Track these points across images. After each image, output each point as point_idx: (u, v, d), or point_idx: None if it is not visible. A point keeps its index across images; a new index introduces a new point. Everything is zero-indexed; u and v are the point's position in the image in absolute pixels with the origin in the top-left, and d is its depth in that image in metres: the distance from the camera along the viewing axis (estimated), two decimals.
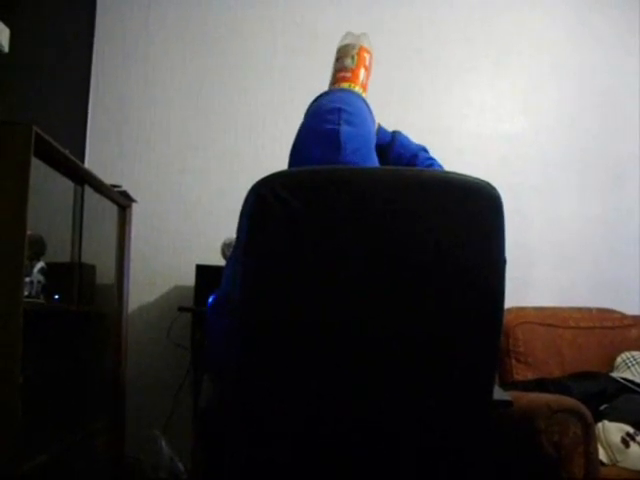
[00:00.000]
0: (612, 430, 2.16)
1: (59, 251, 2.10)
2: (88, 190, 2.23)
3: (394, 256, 1.26)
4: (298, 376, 1.29)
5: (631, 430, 2.15)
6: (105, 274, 2.56)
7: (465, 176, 1.29)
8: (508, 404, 1.45)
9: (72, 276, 2.14)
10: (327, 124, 1.48)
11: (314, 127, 1.53)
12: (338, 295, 1.26)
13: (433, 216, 1.26)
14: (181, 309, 2.74)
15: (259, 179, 1.23)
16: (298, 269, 1.24)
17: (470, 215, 1.27)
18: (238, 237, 1.27)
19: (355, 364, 1.28)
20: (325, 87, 3.18)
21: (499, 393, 1.45)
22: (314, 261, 1.25)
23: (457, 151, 3.23)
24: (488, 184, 1.28)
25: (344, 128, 1.47)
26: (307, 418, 1.32)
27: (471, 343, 1.30)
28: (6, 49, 2.19)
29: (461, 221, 1.27)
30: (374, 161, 1.54)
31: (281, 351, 1.27)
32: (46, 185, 1.92)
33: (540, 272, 3.28)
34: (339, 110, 1.51)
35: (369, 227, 1.25)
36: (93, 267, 2.34)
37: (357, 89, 1.75)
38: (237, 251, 1.27)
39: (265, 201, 1.21)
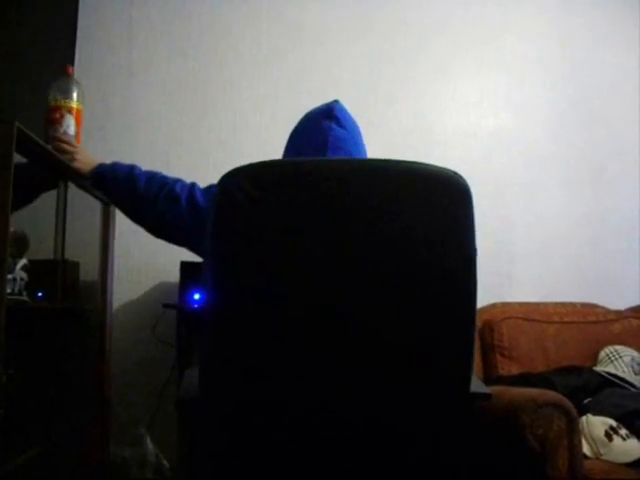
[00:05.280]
0: (596, 424, 2.17)
1: (42, 248, 2.09)
2: (71, 186, 2.21)
3: (357, 246, 1.26)
4: (266, 368, 1.30)
5: (614, 424, 2.16)
6: (89, 271, 2.54)
7: (431, 166, 1.28)
8: (487, 397, 1.45)
9: (55, 273, 2.13)
10: (320, 125, 1.64)
11: (309, 128, 1.69)
12: (300, 281, 1.27)
13: (398, 206, 1.26)
14: (166, 306, 2.73)
15: (224, 173, 1.27)
16: (259, 257, 1.27)
17: (437, 205, 1.26)
18: (207, 228, 1.29)
19: (325, 350, 1.28)
20: (307, 82, 3.20)
21: (478, 386, 1.45)
22: (275, 250, 1.26)
23: (440, 147, 3.25)
24: (455, 173, 1.27)
25: (334, 129, 1.62)
26: (281, 405, 1.32)
27: (442, 334, 1.30)
28: None
29: (428, 211, 1.26)
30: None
31: (253, 338, 1.28)
32: None
33: (525, 268, 3.29)
34: (331, 113, 1.66)
35: (330, 217, 1.26)
36: (77, 264, 2.32)
37: None
38: (206, 243, 1.30)
39: (229, 192, 1.25)
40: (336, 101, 1.73)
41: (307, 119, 1.75)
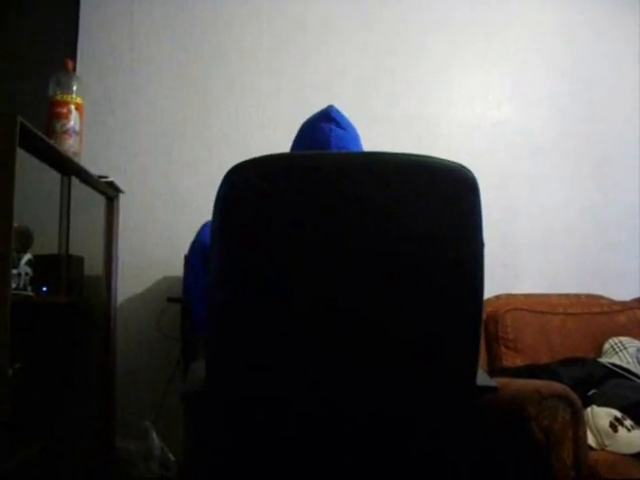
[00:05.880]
0: (601, 415, 2.17)
1: (46, 243, 2.09)
2: (75, 181, 2.21)
3: (364, 240, 1.26)
4: (272, 363, 1.30)
5: (619, 415, 2.16)
6: (93, 265, 2.55)
7: (438, 159, 1.28)
8: (493, 390, 1.45)
9: (60, 268, 2.13)
10: (320, 128, 1.68)
11: (309, 132, 1.73)
12: (307, 275, 1.27)
13: (405, 199, 1.26)
14: (170, 300, 2.74)
15: (231, 167, 1.26)
16: (266, 251, 1.26)
17: (444, 198, 1.26)
18: (213, 222, 1.29)
19: (330, 345, 1.29)
20: (310, 77, 3.20)
21: (484, 379, 1.45)
22: (282, 243, 1.26)
23: (444, 139, 3.24)
24: (462, 166, 1.27)
25: (335, 130, 1.66)
26: (286, 400, 1.33)
27: (449, 328, 1.30)
28: None
29: (435, 204, 1.26)
30: None
31: (259, 332, 1.28)
32: (32, 176, 1.91)
33: (529, 259, 3.29)
34: (329, 116, 1.70)
35: (337, 211, 1.26)
36: (81, 259, 2.33)
37: None
38: (213, 235, 1.30)
39: (236, 186, 1.25)
40: (331, 106, 1.76)
41: (305, 126, 1.79)
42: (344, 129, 1.70)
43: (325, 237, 1.26)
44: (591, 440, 2.09)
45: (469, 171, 1.27)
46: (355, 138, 1.75)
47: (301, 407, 1.33)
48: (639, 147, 3.47)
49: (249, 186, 1.23)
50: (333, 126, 1.67)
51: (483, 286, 1.29)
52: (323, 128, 1.68)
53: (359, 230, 1.26)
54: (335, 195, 1.25)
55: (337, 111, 1.73)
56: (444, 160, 1.28)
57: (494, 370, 2.69)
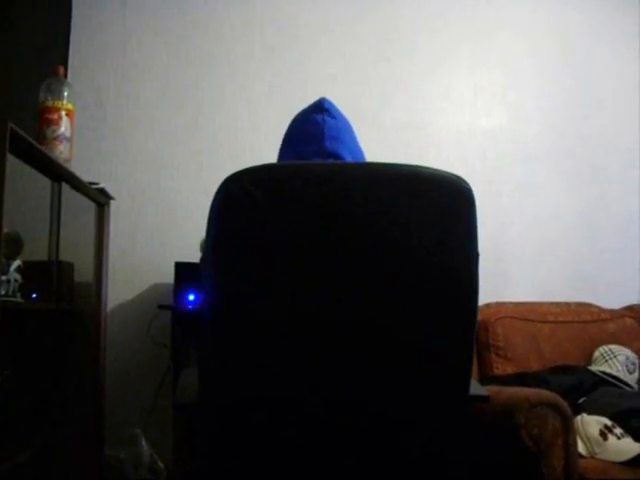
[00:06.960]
0: (590, 423, 2.18)
1: (36, 249, 2.08)
2: (65, 187, 2.20)
3: (363, 247, 1.26)
4: (272, 366, 1.30)
5: (609, 423, 2.17)
6: (83, 272, 2.54)
7: (434, 169, 1.29)
8: (484, 399, 1.45)
9: (50, 274, 2.12)
10: (313, 119, 1.65)
11: (300, 124, 1.69)
12: (306, 285, 1.27)
13: (401, 209, 1.27)
14: (161, 307, 2.73)
15: (227, 176, 1.26)
16: (264, 259, 1.26)
17: (439, 208, 1.27)
18: (208, 233, 1.29)
19: (328, 354, 1.29)
20: (301, 81, 3.20)
21: (476, 388, 1.45)
22: (281, 251, 1.26)
23: (435, 146, 3.24)
24: (458, 177, 1.29)
25: (328, 120, 1.63)
26: (287, 402, 1.33)
27: (444, 336, 1.31)
28: None
29: (430, 214, 1.27)
30: (355, 152, 1.64)
31: (257, 344, 1.28)
32: (22, 182, 1.90)
33: (519, 268, 3.30)
34: (322, 106, 1.67)
35: (336, 219, 1.26)
36: (71, 265, 2.32)
37: None
38: (208, 246, 1.29)
39: (232, 195, 1.24)
40: (323, 98, 1.76)
41: (298, 118, 1.77)
42: (337, 119, 1.69)
43: (324, 244, 1.26)
44: (581, 448, 2.09)
45: (465, 182, 1.28)
46: (348, 128, 1.73)
47: (302, 408, 1.33)
48: (637, 154, 3.49)
49: (245, 195, 1.23)
50: (326, 116, 1.65)
51: (478, 291, 1.31)
52: (315, 119, 1.66)
53: (357, 237, 1.26)
54: (334, 204, 1.26)
55: (330, 102, 1.72)
56: (440, 171, 1.29)
57: (485, 378, 2.69)
